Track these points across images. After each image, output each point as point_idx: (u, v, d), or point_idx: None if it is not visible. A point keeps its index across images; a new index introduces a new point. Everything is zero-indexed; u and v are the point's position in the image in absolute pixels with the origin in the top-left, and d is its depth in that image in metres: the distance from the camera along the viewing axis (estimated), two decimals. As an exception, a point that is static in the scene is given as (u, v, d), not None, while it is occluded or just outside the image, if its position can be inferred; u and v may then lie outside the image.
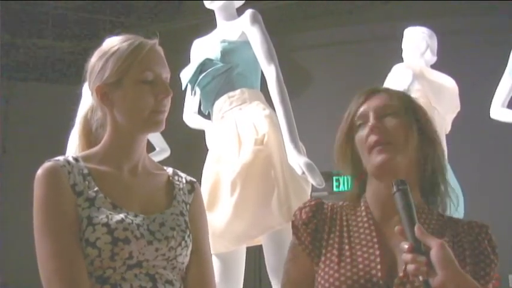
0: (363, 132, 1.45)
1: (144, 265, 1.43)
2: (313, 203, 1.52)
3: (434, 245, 1.21)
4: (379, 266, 1.36)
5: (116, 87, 1.50)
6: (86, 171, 1.49)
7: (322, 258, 1.44)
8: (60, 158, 1.49)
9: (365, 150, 1.44)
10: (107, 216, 1.42)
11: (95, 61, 1.54)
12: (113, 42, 1.54)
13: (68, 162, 1.48)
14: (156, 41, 1.56)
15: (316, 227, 1.48)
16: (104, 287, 1.39)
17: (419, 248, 1.22)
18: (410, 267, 1.22)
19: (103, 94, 1.52)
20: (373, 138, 1.42)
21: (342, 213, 1.50)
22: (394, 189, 1.31)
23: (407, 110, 1.46)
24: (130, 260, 1.41)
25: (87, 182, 1.47)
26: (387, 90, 1.52)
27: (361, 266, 1.37)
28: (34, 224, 1.42)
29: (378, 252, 1.38)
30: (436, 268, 1.19)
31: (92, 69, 1.54)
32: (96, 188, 1.47)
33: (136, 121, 1.50)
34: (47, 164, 1.46)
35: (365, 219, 1.46)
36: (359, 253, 1.40)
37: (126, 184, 1.52)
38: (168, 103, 1.53)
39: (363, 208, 1.49)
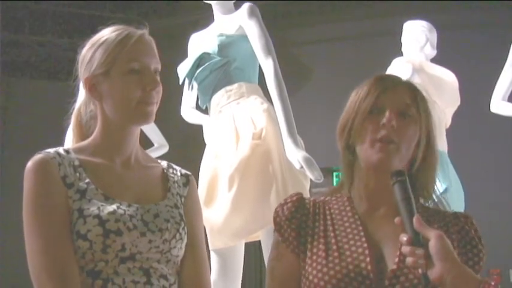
0: (373, 122, 1.41)
1: (138, 258, 1.41)
2: (294, 198, 1.50)
3: (432, 236, 1.21)
4: (368, 259, 1.35)
5: (103, 78, 1.48)
6: (77, 163, 1.46)
7: (309, 254, 1.42)
8: (51, 150, 1.47)
9: (368, 140, 1.41)
10: (98, 208, 1.40)
11: (85, 52, 1.52)
12: (102, 33, 1.51)
13: (59, 154, 1.46)
14: (145, 31, 1.53)
15: (299, 222, 1.46)
16: (96, 281, 1.37)
17: (418, 240, 1.22)
18: (409, 260, 1.21)
19: (91, 86, 1.50)
20: (382, 133, 1.39)
21: (325, 207, 1.49)
22: (393, 180, 1.30)
23: (420, 111, 1.44)
24: (123, 252, 1.39)
25: (78, 174, 1.45)
26: (412, 87, 1.48)
27: (349, 260, 1.36)
28: (23, 218, 1.40)
29: (365, 245, 1.37)
30: (434, 259, 1.19)
31: (82, 61, 1.53)
32: (87, 180, 1.44)
33: (124, 113, 1.48)
34: (37, 156, 1.44)
35: (350, 213, 1.45)
36: (346, 246, 1.39)
37: (119, 176, 1.50)
38: (156, 95, 1.50)
39: (346, 202, 1.48)
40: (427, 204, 1.50)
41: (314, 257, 1.40)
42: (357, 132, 1.43)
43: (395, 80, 1.49)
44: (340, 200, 1.49)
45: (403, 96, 1.44)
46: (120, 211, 1.41)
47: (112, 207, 1.41)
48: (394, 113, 1.41)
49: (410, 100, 1.44)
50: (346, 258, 1.36)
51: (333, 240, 1.41)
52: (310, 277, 1.38)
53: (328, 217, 1.46)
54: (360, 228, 1.41)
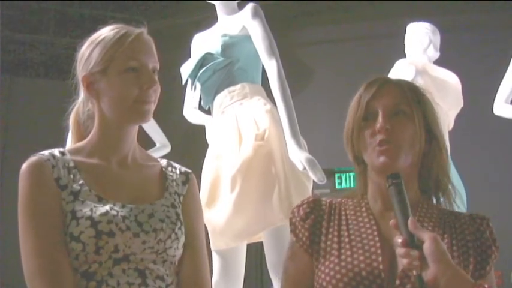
0: (369, 129, 1.43)
1: (132, 259, 1.40)
2: (310, 199, 1.52)
3: (427, 238, 1.22)
4: (380, 258, 1.36)
5: (101, 76, 1.47)
6: (71, 164, 1.46)
7: (322, 253, 1.43)
8: (46, 152, 1.47)
9: (369, 146, 1.43)
10: (91, 210, 1.39)
11: (83, 50, 1.52)
12: (100, 32, 1.51)
13: (53, 156, 1.45)
14: (143, 30, 1.52)
15: (314, 222, 1.47)
16: (90, 283, 1.36)
17: (412, 242, 1.23)
18: (404, 261, 1.23)
19: (89, 84, 1.49)
20: (378, 137, 1.41)
21: (340, 208, 1.50)
22: (389, 183, 1.32)
23: (417, 108, 1.45)
24: (116, 253, 1.38)
25: (72, 176, 1.44)
26: (399, 83, 1.50)
27: (362, 258, 1.37)
28: (18, 220, 1.40)
29: (378, 245, 1.38)
30: (429, 261, 1.20)
31: (80, 59, 1.52)
32: (81, 181, 1.44)
33: (121, 111, 1.47)
34: (31, 159, 1.44)
35: (364, 213, 1.46)
36: (359, 245, 1.40)
37: (115, 176, 1.49)
38: (154, 93, 1.49)
39: (362, 203, 1.49)
40: (446, 206, 1.51)
41: (327, 256, 1.42)
42: (358, 142, 1.45)
43: (381, 82, 1.49)
44: (356, 201, 1.51)
45: (391, 96, 1.45)
46: (113, 212, 1.40)
47: (105, 208, 1.40)
48: (387, 114, 1.42)
49: (399, 97, 1.45)
50: (359, 257, 1.37)
51: (347, 240, 1.42)
52: (323, 275, 1.39)
53: (343, 217, 1.48)
54: (374, 227, 1.42)
